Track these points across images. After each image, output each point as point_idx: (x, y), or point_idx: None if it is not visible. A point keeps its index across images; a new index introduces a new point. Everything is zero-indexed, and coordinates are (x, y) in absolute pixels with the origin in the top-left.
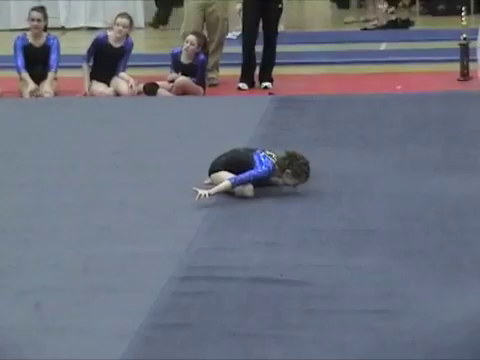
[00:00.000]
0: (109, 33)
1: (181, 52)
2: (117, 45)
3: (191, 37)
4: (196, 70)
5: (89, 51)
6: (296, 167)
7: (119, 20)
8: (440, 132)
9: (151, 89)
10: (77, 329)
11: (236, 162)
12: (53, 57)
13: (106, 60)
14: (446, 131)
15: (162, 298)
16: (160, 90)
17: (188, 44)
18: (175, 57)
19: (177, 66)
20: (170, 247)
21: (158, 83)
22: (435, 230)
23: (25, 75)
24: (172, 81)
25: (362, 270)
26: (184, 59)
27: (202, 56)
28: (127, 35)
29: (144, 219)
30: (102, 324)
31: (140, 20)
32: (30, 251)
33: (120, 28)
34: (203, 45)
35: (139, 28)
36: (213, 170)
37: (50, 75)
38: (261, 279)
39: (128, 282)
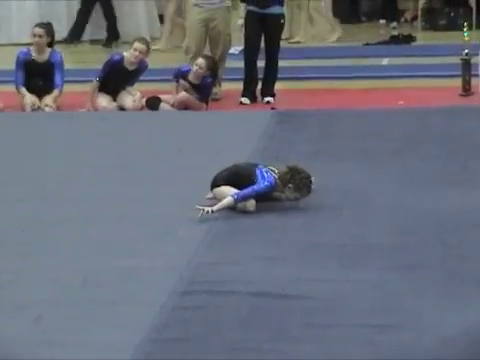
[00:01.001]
0: (125, 54)
1: (189, 71)
2: (131, 68)
3: (200, 61)
4: (201, 89)
5: (103, 70)
6: (298, 181)
7: (137, 45)
8: (441, 146)
9: (153, 103)
10: (77, 343)
11: (238, 177)
12: (58, 77)
13: (117, 79)
14: (447, 145)
15: (162, 312)
16: (162, 104)
17: (197, 67)
18: (183, 74)
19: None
20: (171, 261)
21: (160, 97)
22: (435, 244)
23: (23, 90)
24: (186, 89)
25: (362, 284)
26: (192, 79)
27: (209, 79)
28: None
29: (145, 233)
30: (102, 338)
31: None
32: (30, 264)
33: (137, 54)
34: (212, 68)
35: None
36: (215, 184)
37: (55, 92)
38: (262, 293)
39: (128, 296)
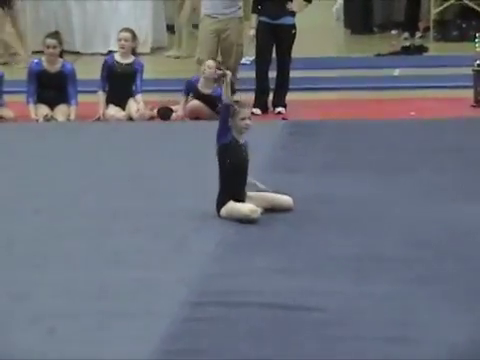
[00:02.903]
0: (116, 53)
1: (199, 80)
2: (124, 61)
3: (208, 61)
4: (214, 102)
5: (102, 76)
6: None
7: (120, 34)
8: (453, 158)
9: (165, 113)
10: (90, 354)
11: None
12: (71, 89)
13: (118, 81)
14: (459, 157)
15: (174, 324)
16: (174, 115)
17: (205, 67)
18: (192, 85)
19: (196, 95)
20: (183, 273)
21: (172, 108)
22: (449, 257)
23: (31, 107)
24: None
25: (376, 297)
26: (203, 87)
27: (219, 90)
28: (134, 54)
29: (157, 244)
30: (115, 350)
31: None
32: (43, 276)
33: (122, 43)
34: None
35: (145, 54)
36: (221, 205)
37: (72, 110)
38: (274, 305)
39: (141, 307)
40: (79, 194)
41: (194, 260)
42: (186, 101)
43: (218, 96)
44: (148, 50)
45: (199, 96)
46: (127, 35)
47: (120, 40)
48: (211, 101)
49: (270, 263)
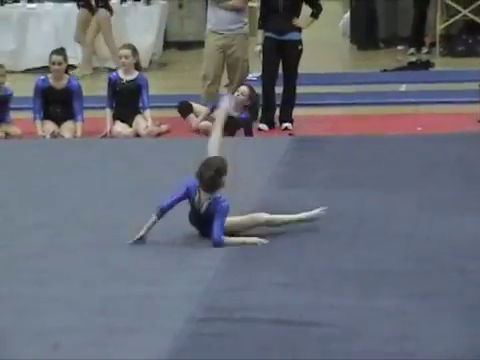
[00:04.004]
0: (119, 70)
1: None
2: (128, 78)
3: (243, 88)
4: (237, 125)
5: (108, 94)
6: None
7: (121, 52)
8: (459, 173)
9: (185, 109)
10: None
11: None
12: (77, 106)
13: (124, 98)
14: (465, 172)
15: (180, 339)
16: (192, 115)
17: (239, 93)
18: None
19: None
20: (188, 288)
21: (193, 105)
22: (452, 271)
23: (38, 123)
24: (208, 117)
25: (380, 311)
26: (232, 110)
27: (245, 115)
28: (138, 69)
29: (162, 260)
30: None
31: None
32: (47, 291)
33: (123, 60)
34: (253, 99)
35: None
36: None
37: (78, 126)
38: (279, 320)
39: (145, 323)
40: (82, 209)
41: (199, 275)
42: (208, 115)
43: (244, 119)
44: (147, 65)
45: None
46: (127, 52)
47: (121, 57)
48: (233, 124)
49: (275, 278)
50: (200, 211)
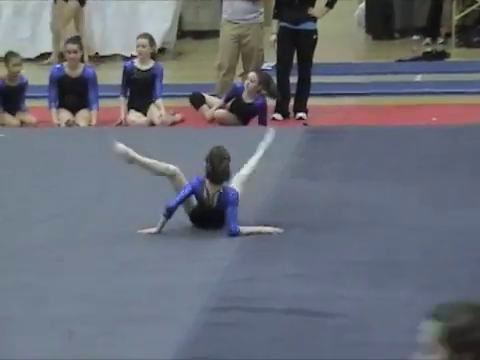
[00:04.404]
0: (135, 59)
1: (243, 88)
2: (144, 67)
3: (252, 74)
4: (254, 112)
5: (122, 83)
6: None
7: (137, 41)
8: (474, 164)
9: (197, 101)
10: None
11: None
12: (92, 94)
13: (139, 87)
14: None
15: (194, 329)
16: (205, 106)
17: (248, 81)
18: (238, 91)
19: (237, 102)
20: (202, 278)
21: (205, 96)
22: (465, 263)
23: (53, 111)
24: (222, 107)
25: (394, 302)
26: (245, 97)
27: (260, 100)
28: (154, 58)
29: (176, 250)
30: (133, 355)
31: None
32: (61, 281)
33: (139, 49)
34: (266, 83)
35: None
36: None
37: (93, 114)
38: (293, 311)
39: (160, 313)
40: (97, 199)
41: (213, 266)
42: (222, 106)
43: (259, 105)
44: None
45: (240, 104)
46: (144, 41)
47: (138, 46)
48: (250, 111)
49: (288, 269)
50: (211, 206)
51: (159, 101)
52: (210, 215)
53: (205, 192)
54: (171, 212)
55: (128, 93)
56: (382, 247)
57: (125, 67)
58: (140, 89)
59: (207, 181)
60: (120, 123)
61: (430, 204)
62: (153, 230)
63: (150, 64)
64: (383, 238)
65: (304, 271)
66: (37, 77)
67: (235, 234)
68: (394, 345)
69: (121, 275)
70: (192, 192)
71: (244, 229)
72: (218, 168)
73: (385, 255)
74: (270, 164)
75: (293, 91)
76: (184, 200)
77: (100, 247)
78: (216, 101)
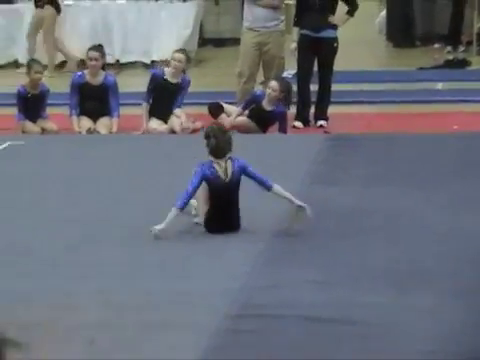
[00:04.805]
0: (166, 69)
1: (264, 96)
2: (174, 81)
3: (273, 83)
4: (274, 119)
5: (148, 89)
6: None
7: (175, 55)
8: None
9: (216, 110)
10: None
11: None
12: (113, 102)
13: (163, 96)
14: None
15: (215, 335)
16: (223, 115)
17: (270, 90)
18: (258, 99)
19: (257, 110)
20: (223, 284)
21: (223, 105)
22: None
23: (74, 119)
24: (240, 115)
25: (416, 309)
26: (266, 104)
27: (281, 108)
28: (184, 72)
29: (198, 255)
30: None
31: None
32: (84, 287)
33: (176, 63)
34: (286, 91)
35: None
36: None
37: (114, 122)
38: (315, 318)
39: (181, 319)
40: (117, 204)
41: (234, 272)
42: (241, 113)
43: (280, 112)
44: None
45: (260, 111)
46: (181, 56)
47: (174, 60)
48: (270, 118)
49: (309, 275)
50: (227, 180)
51: (178, 110)
52: (227, 191)
53: (219, 170)
54: (185, 203)
55: (151, 100)
56: (404, 253)
57: (153, 74)
58: (165, 99)
59: (212, 158)
60: (143, 132)
61: (452, 210)
62: (163, 225)
63: (180, 78)
64: (404, 244)
65: (325, 278)
66: (57, 84)
67: (270, 188)
68: (417, 353)
69: (141, 280)
70: (202, 179)
71: (277, 188)
72: (222, 139)
73: (407, 261)
74: (290, 171)
75: (314, 99)
76: (197, 189)
77: (120, 252)
78: (235, 110)
